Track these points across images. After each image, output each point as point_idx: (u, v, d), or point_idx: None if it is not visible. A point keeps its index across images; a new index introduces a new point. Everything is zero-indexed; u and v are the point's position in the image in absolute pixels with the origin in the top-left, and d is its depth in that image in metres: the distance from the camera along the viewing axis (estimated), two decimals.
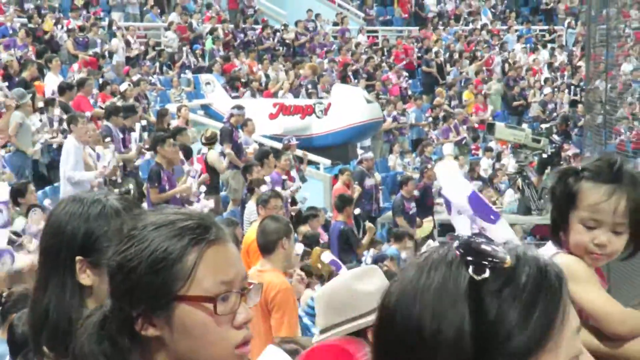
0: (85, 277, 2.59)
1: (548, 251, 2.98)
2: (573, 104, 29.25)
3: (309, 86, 24.95)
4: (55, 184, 14.35)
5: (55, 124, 15.40)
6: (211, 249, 1.98)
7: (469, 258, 1.49)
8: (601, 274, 3.01)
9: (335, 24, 33.05)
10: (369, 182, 18.62)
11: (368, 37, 33.43)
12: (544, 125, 24.46)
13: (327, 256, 9.40)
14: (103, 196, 2.70)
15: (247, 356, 2.02)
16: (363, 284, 4.31)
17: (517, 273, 1.48)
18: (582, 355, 1.54)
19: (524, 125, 24.65)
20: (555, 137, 20.86)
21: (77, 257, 2.59)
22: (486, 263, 1.47)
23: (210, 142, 17.19)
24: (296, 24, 30.92)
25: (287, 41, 30.06)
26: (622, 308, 2.90)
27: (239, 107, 18.52)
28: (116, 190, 13.47)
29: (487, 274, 1.47)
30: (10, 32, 22.58)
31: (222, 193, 17.27)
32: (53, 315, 2.56)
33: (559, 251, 2.96)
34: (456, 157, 23.89)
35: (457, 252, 1.50)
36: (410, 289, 1.52)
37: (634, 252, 2.98)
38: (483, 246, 1.50)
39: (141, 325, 1.95)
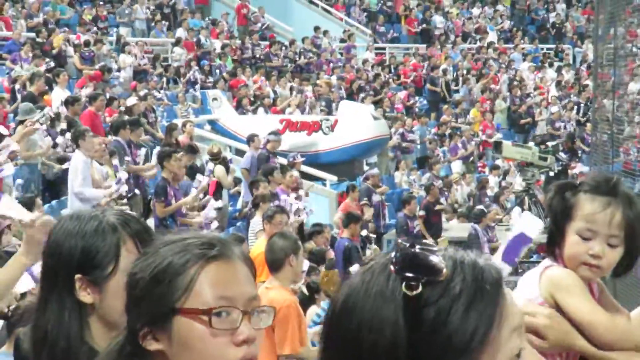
0: (86, 295, 2.58)
1: (542, 265, 3.02)
2: (580, 122, 29.23)
3: (323, 103, 24.98)
4: (62, 198, 14.35)
5: (61, 139, 15.39)
6: (213, 264, 1.99)
7: (403, 272, 1.51)
8: (591, 289, 3.02)
9: (342, 40, 33.12)
10: (375, 198, 18.63)
11: (375, 54, 33.51)
12: (550, 143, 24.43)
13: None
14: (100, 212, 2.69)
15: None
16: None
17: (452, 283, 1.51)
18: (523, 351, 1.56)
19: (530, 144, 24.63)
20: (562, 155, 20.83)
21: (77, 276, 2.57)
22: (420, 278, 1.50)
23: (215, 157, 17.21)
24: (303, 40, 31.00)
25: (295, 58, 30.14)
26: (608, 317, 2.91)
27: (275, 133, 18.55)
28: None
29: (419, 289, 1.49)
30: (19, 46, 22.68)
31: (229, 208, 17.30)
32: (52, 335, 2.56)
33: (553, 264, 2.98)
34: (463, 175, 23.91)
35: (391, 266, 1.53)
36: (351, 300, 1.55)
37: (627, 268, 2.99)
38: (419, 258, 1.52)
39: (144, 338, 1.96)
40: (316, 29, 32.06)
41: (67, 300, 2.58)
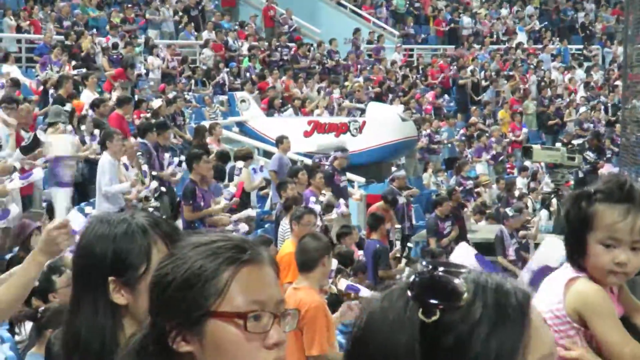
0: (120, 297, 2.61)
1: (566, 275, 2.99)
2: (610, 123, 29.07)
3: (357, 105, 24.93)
4: (91, 200, 14.42)
5: (87, 139, 15.46)
6: (246, 268, 2.00)
7: (421, 298, 1.46)
8: (612, 295, 3.00)
9: (369, 42, 33.10)
10: (400, 200, 18.57)
11: (403, 55, 33.48)
12: (575, 142, 24.32)
13: (343, 283, 9.40)
14: (129, 215, 2.73)
15: None
16: None
17: (473, 308, 1.45)
18: None
19: (558, 145, 24.51)
20: (590, 154, 20.69)
21: (110, 278, 2.60)
22: (437, 303, 1.45)
23: (244, 159, 17.23)
24: (330, 42, 31.01)
25: (323, 60, 30.15)
26: (635, 344, 2.89)
27: (343, 150, 18.46)
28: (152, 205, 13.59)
29: (437, 315, 1.44)
30: (49, 49, 22.81)
31: (256, 210, 17.31)
32: (85, 337, 2.58)
33: (579, 275, 2.97)
34: (497, 180, 23.76)
35: (409, 292, 1.48)
36: (370, 325, 1.51)
37: None
38: (439, 282, 1.46)
39: (174, 340, 1.97)
40: (356, 30, 32.12)
41: (100, 303, 2.60)
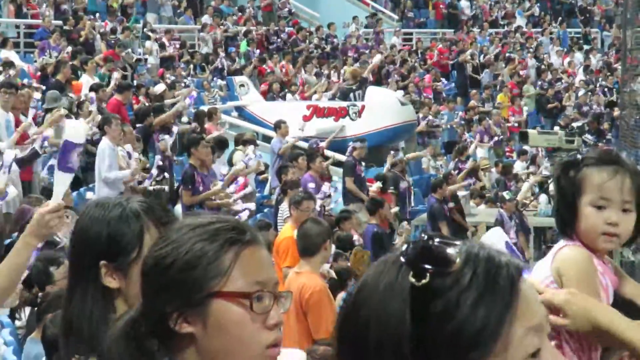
0: (112, 281, 2.63)
1: (558, 246, 3.00)
2: (609, 104, 29.02)
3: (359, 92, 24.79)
4: (91, 185, 14.43)
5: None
6: (247, 250, 2.02)
7: (412, 263, 1.48)
8: (605, 266, 3.00)
9: (366, 26, 33.04)
10: (402, 185, 18.58)
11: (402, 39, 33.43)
12: (575, 124, 24.22)
13: None
14: (124, 200, 2.75)
15: (276, 358, 2.04)
16: None
17: (462, 274, 1.46)
18: (543, 351, 1.51)
19: (556, 128, 24.45)
20: (589, 137, 20.65)
21: (102, 262, 2.62)
22: (429, 268, 1.46)
23: (245, 143, 17.23)
24: (329, 26, 30.95)
25: (322, 44, 30.09)
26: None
27: (362, 140, 18.50)
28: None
29: (427, 278, 1.46)
30: (49, 34, 22.75)
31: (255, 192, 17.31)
32: (77, 321, 2.61)
33: (568, 243, 2.97)
34: (496, 164, 23.75)
35: (402, 257, 1.50)
36: (364, 293, 1.53)
37: (636, 237, 3.00)
38: (432, 249, 1.49)
39: (175, 322, 1.97)
40: (354, 17, 32.11)
41: (90, 287, 2.63)
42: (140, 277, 2.07)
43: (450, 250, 1.49)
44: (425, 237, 1.52)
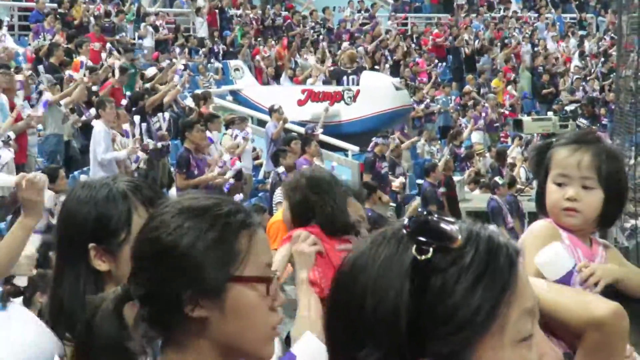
0: (101, 264, 2.59)
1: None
2: (603, 91, 29.04)
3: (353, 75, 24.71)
4: (85, 168, 14.42)
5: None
6: (257, 233, 2.02)
7: (416, 237, 1.48)
8: (582, 244, 3.01)
9: (359, 10, 32.92)
10: (398, 170, 18.54)
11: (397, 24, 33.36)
12: (568, 108, 24.25)
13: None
14: (111, 179, 2.70)
15: (278, 336, 2.07)
16: None
17: (463, 252, 1.47)
18: (535, 336, 1.52)
19: (549, 114, 24.46)
20: (583, 121, 20.64)
21: (90, 245, 2.58)
22: (432, 242, 1.47)
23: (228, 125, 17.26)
24: (324, 10, 30.89)
25: (316, 28, 30.04)
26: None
27: (384, 136, 18.43)
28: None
29: (430, 254, 1.46)
30: (43, 17, 22.68)
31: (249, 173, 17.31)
32: (68, 305, 2.56)
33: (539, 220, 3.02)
34: (489, 148, 23.76)
35: (404, 230, 1.50)
36: (360, 262, 1.52)
37: (613, 218, 3.05)
38: (434, 225, 1.49)
39: (191, 307, 1.95)
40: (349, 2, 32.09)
41: (82, 270, 2.59)
42: (144, 260, 2.01)
43: (451, 226, 1.49)
44: (426, 212, 1.52)
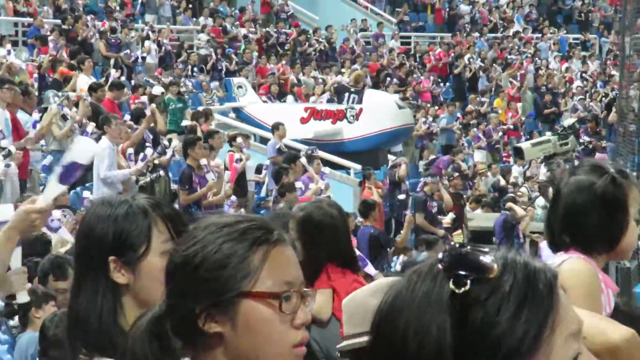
0: (120, 276, 2.63)
1: (557, 258, 2.97)
2: (607, 107, 29.03)
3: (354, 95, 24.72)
4: (87, 184, 14.41)
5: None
6: (275, 249, 2.02)
7: (452, 271, 1.46)
8: (608, 278, 3.00)
9: (362, 29, 33.02)
10: (402, 187, 18.55)
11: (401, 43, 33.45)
12: (566, 123, 24.15)
13: None
14: (130, 197, 2.76)
15: (302, 356, 2.05)
16: (376, 300, 4.28)
17: (502, 282, 1.45)
18: (581, 356, 1.50)
19: (548, 134, 24.47)
20: (586, 138, 20.56)
21: (110, 257, 2.63)
22: (468, 275, 1.45)
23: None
24: (326, 29, 30.98)
25: (321, 46, 30.12)
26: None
27: (432, 175, 18.34)
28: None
29: (468, 286, 1.44)
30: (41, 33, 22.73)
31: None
32: (83, 315, 2.61)
33: (571, 256, 2.96)
34: (489, 166, 23.78)
35: (440, 266, 1.49)
36: (398, 302, 1.51)
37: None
38: (469, 257, 1.47)
39: (204, 321, 1.97)
40: (352, 20, 32.16)
41: (101, 283, 2.63)
42: (167, 275, 2.06)
43: (486, 257, 1.47)
44: (458, 245, 1.51)
